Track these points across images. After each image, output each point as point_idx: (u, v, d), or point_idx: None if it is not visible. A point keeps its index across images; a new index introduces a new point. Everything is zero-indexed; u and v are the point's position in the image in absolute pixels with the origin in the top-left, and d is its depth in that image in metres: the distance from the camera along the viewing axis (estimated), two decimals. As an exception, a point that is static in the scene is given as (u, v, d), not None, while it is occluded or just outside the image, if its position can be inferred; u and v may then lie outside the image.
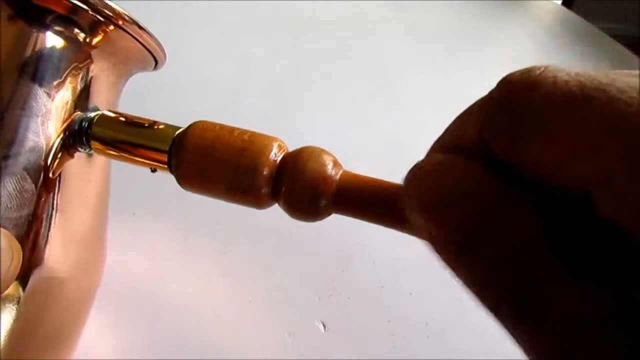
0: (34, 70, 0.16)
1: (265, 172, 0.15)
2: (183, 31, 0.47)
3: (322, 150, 0.15)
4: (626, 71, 0.10)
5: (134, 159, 0.17)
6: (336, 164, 0.15)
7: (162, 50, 0.21)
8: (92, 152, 0.18)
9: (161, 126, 0.17)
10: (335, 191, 0.15)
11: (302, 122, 0.40)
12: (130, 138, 0.17)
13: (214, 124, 0.17)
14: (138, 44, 0.19)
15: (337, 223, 0.32)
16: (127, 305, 0.25)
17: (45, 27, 0.16)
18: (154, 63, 0.22)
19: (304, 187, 0.15)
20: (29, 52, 0.16)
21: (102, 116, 0.17)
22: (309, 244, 0.29)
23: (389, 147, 0.39)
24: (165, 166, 0.17)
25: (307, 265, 0.28)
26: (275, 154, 0.15)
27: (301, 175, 0.15)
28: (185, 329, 0.24)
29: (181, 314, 0.25)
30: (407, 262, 0.29)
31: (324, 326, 0.25)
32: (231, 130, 0.16)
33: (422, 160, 0.13)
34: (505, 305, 0.10)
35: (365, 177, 0.15)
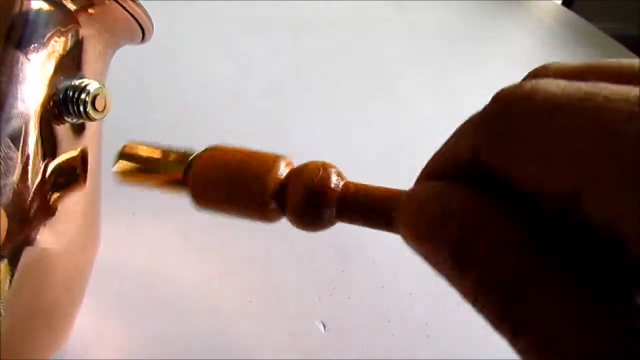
0: (19, 36, 0.16)
1: (272, 187, 0.16)
2: (183, 31, 0.47)
3: (324, 163, 0.16)
4: (616, 67, 0.11)
5: (156, 185, 0.18)
6: (339, 175, 0.16)
7: (150, 20, 0.21)
8: (79, 122, 0.17)
9: (180, 151, 0.18)
10: (338, 201, 0.16)
11: (302, 122, 0.40)
12: (153, 167, 0.18)
13: (226, 147, 0.18)
14: (125, 12, 0.19)
15: (338, 224, 0.32)
16: (127, 305, 0.25)
17: None
18: (141, 34, 0.21)
19: (307, 200, 0.16)
20: (14, 18, 0.16)
21: (127, 147, 0.18)
22: (309, 244, 0.29)
23: (389, 147, 0.39)
24: (182, 186, 0.18)
25: (308, 265, 0.28)
26: (282, 170, 0.16)
27: (305, 188, 0.16)
28: (186, 329, 0.24)
29: (181, 314, 0.25)
30: (407, 262, 0.29)
31: (324, 326, 0.25)
32: (241, 150, 0.18)
33: (411, 190, 0.14)
34: (490, 308, 0.11)
35: (368, 185, 0.16)
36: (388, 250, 0.30)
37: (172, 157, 0.19)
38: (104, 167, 0.23)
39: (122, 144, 0.18)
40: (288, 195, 0.16)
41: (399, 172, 0.37)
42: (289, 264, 0.28)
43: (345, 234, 0.31)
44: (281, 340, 0.25)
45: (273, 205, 0.16)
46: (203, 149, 0.18)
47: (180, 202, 0.30)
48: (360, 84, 0.46)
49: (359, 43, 0.52)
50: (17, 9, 0.16)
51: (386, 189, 0.16)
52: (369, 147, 0.38)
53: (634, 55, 0.61)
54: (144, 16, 0.20)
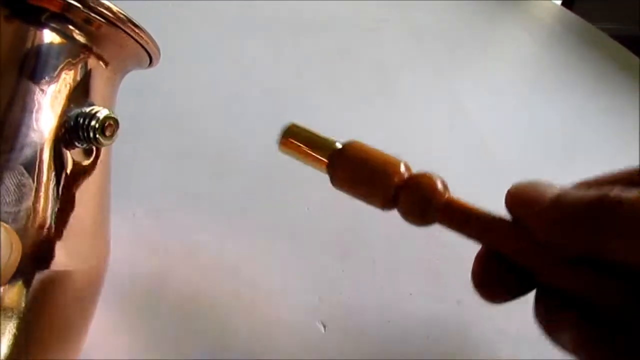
0: (30, 67, 0.17)
1: (394, 184, 0.21)
2: (183, 31, 0.47)
3: (436, 175, 0.21)
4: None
5: (307, 160, 0.23)
6: (445, 186, 0.21)
7: (156, 47, 0.21)
8: (89, 147, 0.18)
9: (331, 140, 0.23)
10: (442, 206, 0.20)
11: (303, 122, 0.39)
12: (310, 149, 0.23)
13: (363, 145, 0.23)
14: (132, 40, 0.20)
15: (338, 223, 0.32)
16: (126, 306, 0.25)
17: (41, 25, 0.17)
18: (148, 60, 0.22)
19: (417, 199, 0.20)
20: (25, 50, 0.17)
21: (293, 125, 0.24)
22: (309, 245, 0.29)
23: (389, 147, 0.39)
24: (325, 167, 0.23)
25: (308, 265, 0.28)
26: (403, 172, 0.21)
27: (417, 190, 0.20)
28: (185, 329, 0.24)
29: (180, 315, 0.25)
30: (407, 262, 0.29)
31: (324, 326, 0.25)
32: (374, 150, 0.22)
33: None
34: None
35: (466, 202, 0.20)
36: (388, 251, 0.30)
37: (323, 141, 0.23)
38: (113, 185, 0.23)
39: (290, 123, 0.24)
40: (403, 196, 0.21)
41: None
42: (289, 264, 0.28)
43: (346, 234, 0.31)
44: (281, 340, 0.25)
45: (392, 198, 0.21)
46: (345, 141, 0.23)
47: (180, 203, 0.30)
48: (361, 85, 0.46)
49: (359, 43, 0.52)
50: (29, 43, 0.17)
51: (482, 209, 0.20)
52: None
53: (634, 56, 0.61)
54: (151, 43, 0.21)
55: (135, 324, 0.24)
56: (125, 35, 0.19)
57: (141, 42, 0.20)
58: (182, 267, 0.27)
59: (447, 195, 0.20)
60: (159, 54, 0.22)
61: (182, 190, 0.31)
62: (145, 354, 0.23)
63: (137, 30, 0.19)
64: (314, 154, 0.23)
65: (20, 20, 0.16)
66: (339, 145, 0.23)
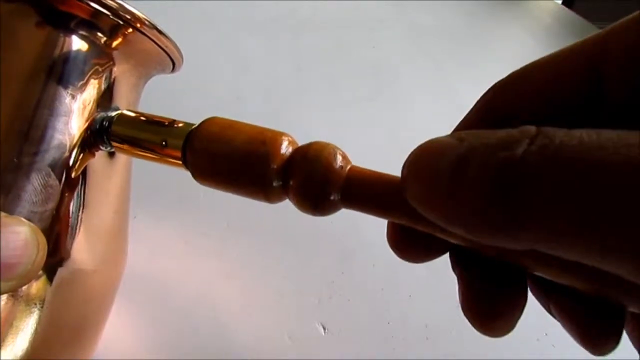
0: (60, 72, 0.17)
1: (274, 166, 0.15)
2: (183, 31, 0.47)
3: (330, 145, 0.15)
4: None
5: (151, 156, 0.18)
6: (345, 158, 0.15)
7: (180, 52, 0.22)
8: (113, 150, 0.18)
9: (179, 124, 0.18)
10: (344, 185, 0.15)
11: (302, 123, 0.39)
12: (148, 136, 0.17)
13: (227, 120, 0.17)
14: (156, 46, 0.20)
15: (337, 225, 0.32)
16: (127, 308, 0.25)
17: (70, 31, 0.17)
18: (171, 65, 0.23)
19: (312, 181, 0.15)
20: (55, 55, 0.17)
21: (122, 115, 0.18)
22: (309, 247, 0.29)
23: (389, 147, 0.39)
24: (181, 162, 0.17)
25: (307, 267, 0.28)
26: (286, 149, 0.16)
27: (310, 169, 0.15)
28: (186, 331, 0.24)
29: (181, 317, 0.25)
30: (407, 264, 0.29)
31: (324, 328, 0.25)
32: (243, 125, 0.17)
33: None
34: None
35: (374, 172, 0.15)
36: (388, 253, 0.30)
37: (171, 125, 0.18)
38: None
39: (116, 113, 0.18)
40: (291, 178, 0.15)
41: (399, 172, 0.37)
42: (289, 266, 0.28)
43: (345, 237, 0.31)
44: (281, 342, 0.25)
45: (276, 185, 0.15)
46: (200, 122, 0.17)
47: (180, 206, 0.30)
48: (360, 84, 0.46)
49: (359, 43, 0.52)
50: (59, 48, 0.17)
51: (393, 176, 0.15)
52: (369, 148, 0.38)
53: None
54: (174, 49, 0.21)
55: (135, 325, 0.24)
56: (150, 42, 0.19)
57: (166, 48, 0.20)
58: (181, 269, 0.27)
59: (348, 168, 0.15)
60: (182, 61, 0.23)
61: (182, 193, 0.31)
62: (144, 354, 0.23)
63: (162, 37, 0.20)
64: (160, 148, 0.17)
65: (51, 27, 0.17)
66: (192, 129, 0.17)
